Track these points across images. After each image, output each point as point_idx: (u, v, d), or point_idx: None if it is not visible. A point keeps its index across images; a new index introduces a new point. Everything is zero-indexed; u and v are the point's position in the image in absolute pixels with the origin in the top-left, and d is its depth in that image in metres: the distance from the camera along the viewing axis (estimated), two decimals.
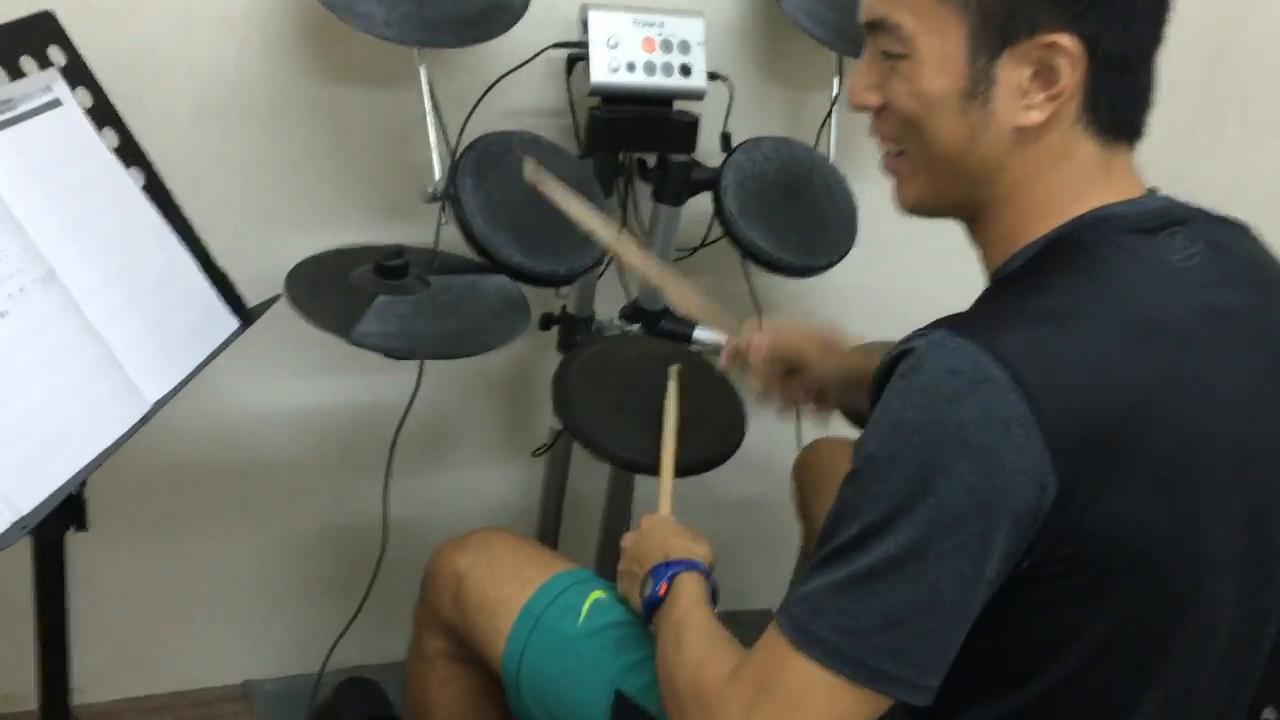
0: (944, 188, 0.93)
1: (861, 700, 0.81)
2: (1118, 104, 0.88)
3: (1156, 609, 0.85)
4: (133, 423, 1.04)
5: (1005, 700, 0.88)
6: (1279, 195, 1.96)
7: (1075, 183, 0.89)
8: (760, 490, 1.79)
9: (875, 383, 0.85)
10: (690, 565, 1.08)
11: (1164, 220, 0.90)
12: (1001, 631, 0.84)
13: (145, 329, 1.09)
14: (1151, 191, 0.93)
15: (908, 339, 0.83)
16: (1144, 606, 0.85)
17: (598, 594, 1.20)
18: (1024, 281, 0.88)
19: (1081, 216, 0.89)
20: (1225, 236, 0.94)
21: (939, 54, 0.87)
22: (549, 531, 1.74)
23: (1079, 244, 0.88)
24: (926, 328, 0.83)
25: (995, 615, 0.82)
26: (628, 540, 1.17)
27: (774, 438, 1.84)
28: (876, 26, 0.90)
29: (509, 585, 1.21)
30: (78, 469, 0.98)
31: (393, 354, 1.21)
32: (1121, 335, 0.83)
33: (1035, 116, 0.87)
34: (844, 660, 0.80)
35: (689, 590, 1.04)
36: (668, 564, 1.08)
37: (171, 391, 1.09)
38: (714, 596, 1.07)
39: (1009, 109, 0.87)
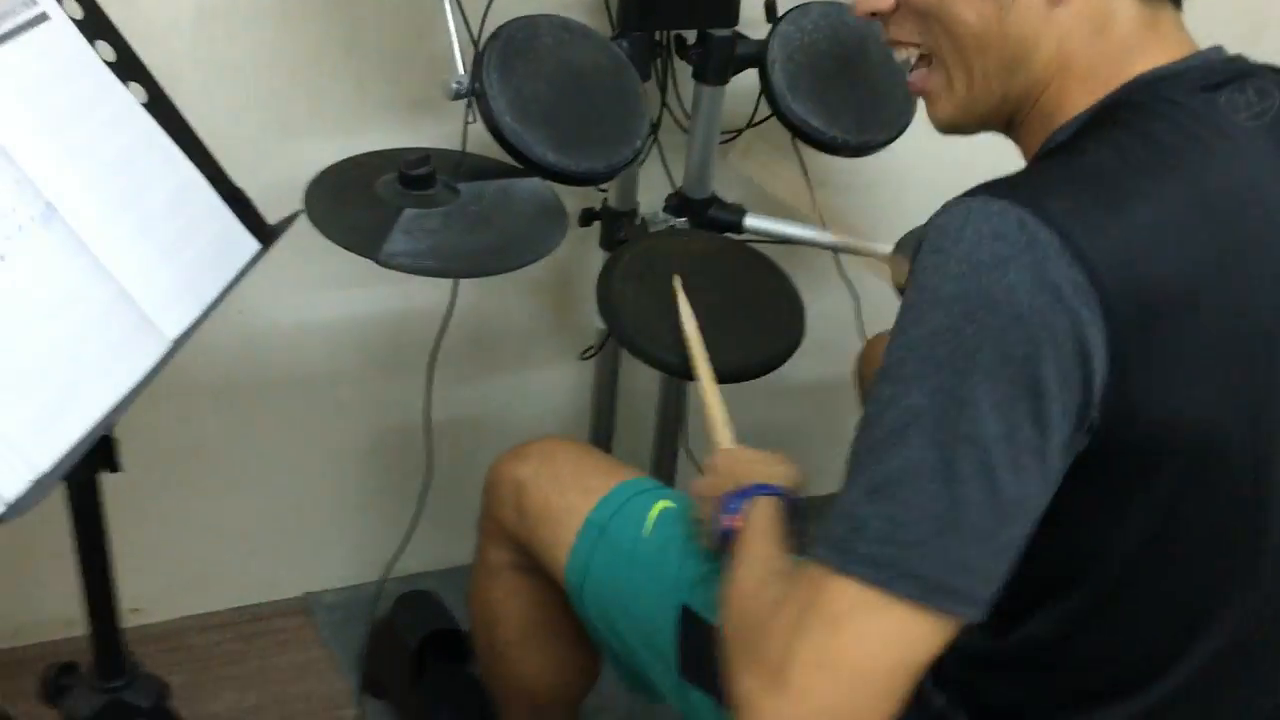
0: (980, 89, 0.84)
1: (909, 620, 0.71)
2: None
3: (1227, 503, 0.78)
4: (153, 363, 0.98)
5: (1071, 600, 0.80)
6: None
7: (1119, 49, 0.80)
8: (824, 372, 1.72)
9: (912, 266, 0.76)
10: (761, 490, 1.00)
11: (1229, 74, 0.80)
12: (1060, 527, 0.75)
13: (158, 260, 1.02)
14: (1212, 49, 0.83)
15: (941, 209, 0.74)
16: (1212, 501, 0.77)
17: (664, 503, 1.14)
18: (1070, 147, 0.79)
19: (1131, 81, 0.79)
20: None
21: None
22: (602, 434, 1.69)
23: (1132, 107, 0.78)
24: (961, 195, 0.74)
25: (1054, 510, 0.74)
26: (698, 486, 1.08)
27: (836, 318, 1.75)
28: None
29: (572, 494, 1.16)
30: (98, 418, 0.92)
31: (424, 274, 1.13)
32: (1181, 202, 0.74)
33: None
34: (892, 574, 0.71)
35: (756, 518, 0.97)
36: (738, 493, 1.00)
37: (192, 325, 1.03)
38: (795, 515, 0.98)
39: None
